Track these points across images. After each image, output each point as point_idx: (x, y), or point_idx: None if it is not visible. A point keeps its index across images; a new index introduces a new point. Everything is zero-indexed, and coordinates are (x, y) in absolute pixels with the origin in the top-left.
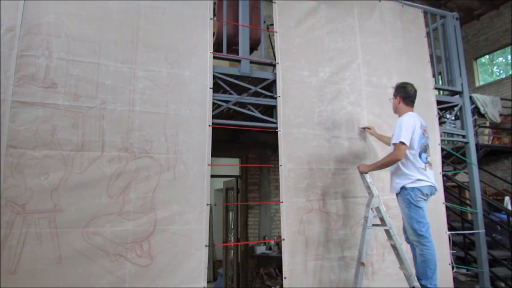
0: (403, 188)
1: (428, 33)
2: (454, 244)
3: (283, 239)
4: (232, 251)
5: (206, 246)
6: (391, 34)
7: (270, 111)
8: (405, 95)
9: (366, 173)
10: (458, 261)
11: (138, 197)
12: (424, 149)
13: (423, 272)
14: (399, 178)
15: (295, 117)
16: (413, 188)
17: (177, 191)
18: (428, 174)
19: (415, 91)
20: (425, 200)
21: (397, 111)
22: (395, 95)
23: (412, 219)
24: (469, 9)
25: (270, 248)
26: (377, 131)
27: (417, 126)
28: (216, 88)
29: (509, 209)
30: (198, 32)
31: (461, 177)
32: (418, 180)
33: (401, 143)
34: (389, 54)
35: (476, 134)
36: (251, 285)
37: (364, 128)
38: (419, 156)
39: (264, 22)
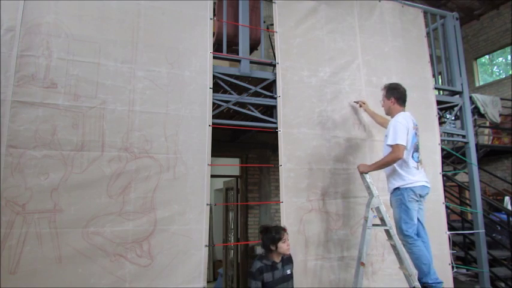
0: (397, 188)
1: (428, 33)
2: (454, 244)
3: None
4: (232, 251)
5: (206, 246)
6: (391, 34)
7: (270, 111)
8: (399, 95)
9: (366, 173)
10: (458, 261)
11: (138, 197)
12: (416, 149)
13: (419, 269)
14: (394, 180)
15: (295, 117)
16: (406, 188)
17: (177, 191)
18: (421, 173)
19: (405, 90)
20: (417, 201)
21: (390, 112)
22: (388, 97)
23: (400, 219)
24: (469, 9)
25: None
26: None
27: (410, 126)
28: (216, 88)
29: (509, 209)
30: (198, 32)
31: (461, 177)
32: (412, 182)
33: (399, 144)
34: (389, 54)
35: (476, 134)
36: None
37: (358, 102)
38: (412, 156)
39: (264, 22)
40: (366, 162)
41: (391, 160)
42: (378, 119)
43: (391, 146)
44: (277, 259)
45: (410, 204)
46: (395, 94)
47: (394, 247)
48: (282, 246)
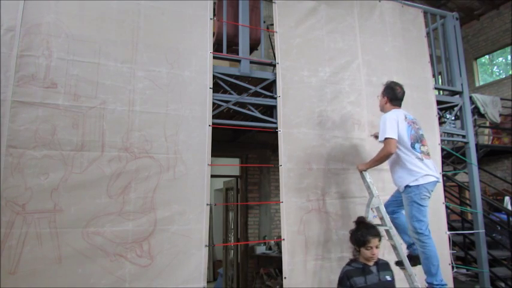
0: (407, 186)
1: (428, 33)
2: (454, 244)
3: (283, 239)
4: (232, 251)
5: (206, 246)
6: (391, 34)
7: (270, 111)
8: (393, 96)
9: (365, 171)
10: (458, 261)
11: (138, 197)
12: (417, 140)
13: (427, 269)
14: (401, 177)
15: (295, 117)
16: (418, 186)
17: (177, 191)
18: (428, 164)
19: (403, 93)
20: (429, 197)
21: (383, 110)
22: (383, 94)
23: (413, 218)
24: (469, 9)
25: (270, 248)
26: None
27: (400, 119)
28: (216, 88)
29: (509, 209)
30: (198, 32)
31: (461, 177)
32: (423, 176)
33: (388, 138)
34: (389, 54)
35: (476, 134)
36: (251, 285)
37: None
38: (413, 147)
39: (264, 22)
40: (365, 162)
41: (384, 155)
42: None
43: (382, 142)
44: (369, 262)
45: (423, 202)
46: (389, 94)
47: (394, 247)
48: (365, 253)
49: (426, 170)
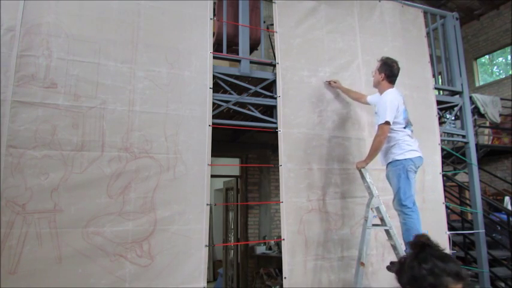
0: (394, 160)
1: (428, 33)
2: (454, 244)
3: (283, 239)
4: (232, 251)
5: (206, 246)
6: (391, 34)
7: (270, 111)
8: (390, 73)
9: (364, 168)
10: (458, 261)
11: (138, 197)
12: (408, 122)
13: (407, 241)
14: (392, 153)
15: (295, 117)
16: (406, 159)
17: (177, 191)
18: (415, 143)
19: (399, 69)
20: (415, 171)
21: (378, 86)
22: (380, 71)
23: (399, 189)
24: (469, 9)
25: (270, 248)
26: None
27: (400, 103)
28: (216, 88)
29: (509, 209)
30: (198, 32)
31: (461, 177)
32: (409, 151)
33: (386, 122)
34: (389, 54)
35: (476, 134)
36: (251, 285)
37: (329, 82)
38: (404, 128)
39: (264, 22)
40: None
41: (379, 142)
42: (352, 94)
43: (379, 125)
44: None
45: (409, 174)
46: (387, 71)
47: (394, 247)
48: None
49: (413, 146)
